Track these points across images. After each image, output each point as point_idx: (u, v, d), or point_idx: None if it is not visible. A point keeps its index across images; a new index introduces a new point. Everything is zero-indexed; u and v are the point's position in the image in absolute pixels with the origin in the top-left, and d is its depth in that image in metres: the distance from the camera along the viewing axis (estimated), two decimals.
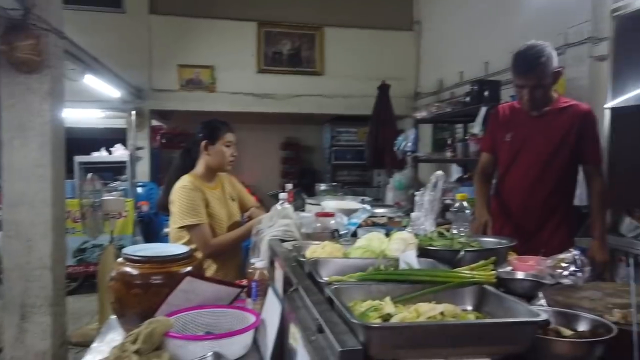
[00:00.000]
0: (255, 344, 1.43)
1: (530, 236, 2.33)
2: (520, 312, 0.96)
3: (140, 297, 1.56)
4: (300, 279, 1.28)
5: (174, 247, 1.81)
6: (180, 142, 8.54)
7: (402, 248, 1.37)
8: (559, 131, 2.37)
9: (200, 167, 2.38)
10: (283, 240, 1.88)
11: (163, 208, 2.38)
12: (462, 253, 1.31)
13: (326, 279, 1.13)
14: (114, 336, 1.63)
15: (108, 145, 6.39)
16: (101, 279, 2.77)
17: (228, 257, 2.35)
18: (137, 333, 1.30)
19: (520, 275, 1.36)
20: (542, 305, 1.14)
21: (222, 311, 1.55)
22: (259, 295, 1.65)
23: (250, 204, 2.60)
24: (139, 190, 6.12)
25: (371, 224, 2.32)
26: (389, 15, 7.31)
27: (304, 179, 8.62)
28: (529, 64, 2.28)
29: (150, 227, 5.90)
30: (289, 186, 2.38)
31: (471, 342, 0.85)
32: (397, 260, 1.30)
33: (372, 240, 1.46)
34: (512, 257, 1.61)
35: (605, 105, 2.78)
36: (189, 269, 1.65)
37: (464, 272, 1.14)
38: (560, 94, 2.53)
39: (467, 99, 4.28)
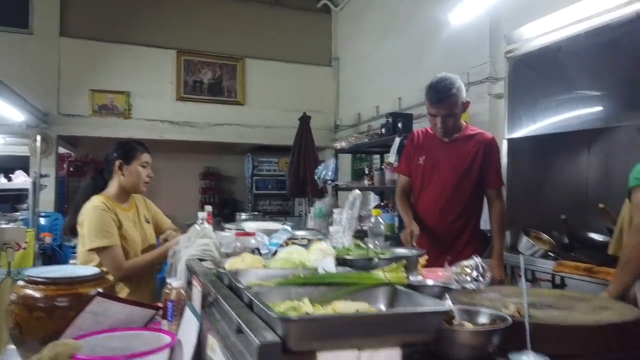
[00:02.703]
0: None
1: (443, 251, 2.47)
2: (428, 305, 1.03)
3: (44, 321, 1.45)
4: (220, 289, 1.27)
5: (82, 269, 1.71)
6: (90, 170, 8.07)
7: (320, 258, 1.41)
8: (467, 156, 2.59)
9: (113, 187, 2.29)
10: (202, 260, 1.84)
11: (71, 231, 2.24)
12: (376, 260, 1.38)
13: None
14: None
15: (7, 172, 5.87)
16: None
17: (142, 281, 2.25)
18: (39, 357, 1.19)
19: (430, 282, 1.45)
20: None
21: (135, 334, 1.46)
22: (175, 316, 1.59)
23: (166, 226, 2.52)
24: (42, 220, 5.67)
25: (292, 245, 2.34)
26: (309, 51, 7.61)
27: (224, 209, 8.48)
28: (442, 95, 2.48)
29: (54, 260, 5.46)
30: (209, 207, 2.34)
31: (383, 331, 0.89)
32: (316, 269, 1.34)
33: (292, 253, 1.49)
34: (423, 269, 1.71)
35: (504, 137, 3.07)
36: (98, 290, 1.57)
37: (377, 274, 1.19)
38: (467, 123, 2.77)
39: (383, 130, 4.51)
